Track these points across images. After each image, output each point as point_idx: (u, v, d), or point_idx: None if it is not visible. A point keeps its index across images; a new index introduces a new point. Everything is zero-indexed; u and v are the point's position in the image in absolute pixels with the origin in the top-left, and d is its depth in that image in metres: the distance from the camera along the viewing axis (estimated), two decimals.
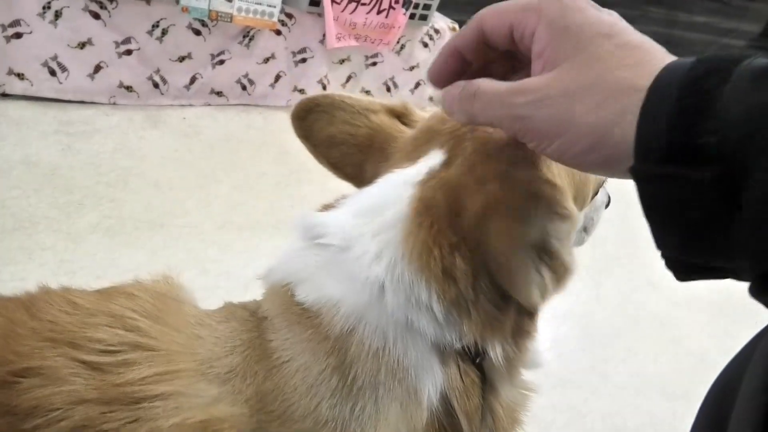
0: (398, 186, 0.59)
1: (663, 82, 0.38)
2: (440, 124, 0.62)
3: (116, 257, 1.45)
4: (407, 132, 0.68)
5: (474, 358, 0.57)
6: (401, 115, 0.71)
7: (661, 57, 0.40)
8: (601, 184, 0.72)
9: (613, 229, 2.04)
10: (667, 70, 0.38)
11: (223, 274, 1.50)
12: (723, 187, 0.35)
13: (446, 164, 0.59)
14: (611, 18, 0.42)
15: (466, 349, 0.57)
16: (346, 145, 0.70)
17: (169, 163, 1.87)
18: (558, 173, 0.58)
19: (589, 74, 0.40)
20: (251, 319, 0.63)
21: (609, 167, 0.42)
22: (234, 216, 1.72)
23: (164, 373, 0.57)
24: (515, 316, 0.59)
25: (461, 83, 0.47)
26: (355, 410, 0.55)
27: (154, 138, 1.96)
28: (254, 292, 0.67)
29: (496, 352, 0.57)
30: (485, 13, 0.47)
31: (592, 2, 0.44)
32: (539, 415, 1.43)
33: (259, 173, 1.95)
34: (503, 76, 0.47)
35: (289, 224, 0.63)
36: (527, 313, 0.58)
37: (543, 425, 1.42)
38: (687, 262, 0.39)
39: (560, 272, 0.54)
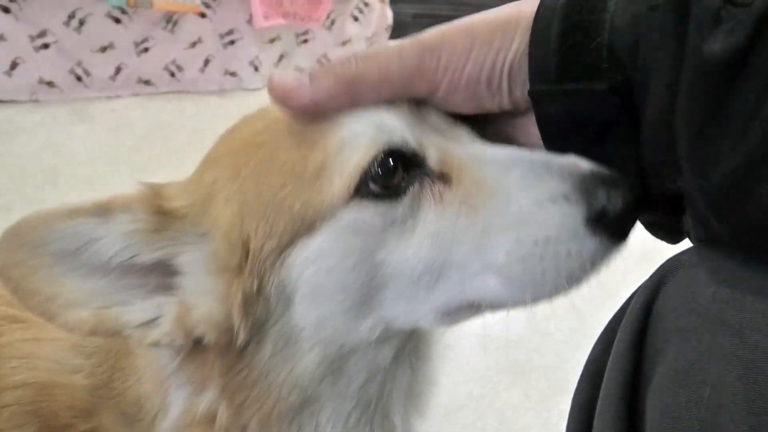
0: None
1: (547, 3, 0.39)
2: None
3: None
4: None
5: None
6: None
7: None
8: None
9: None
10: None
11: None
12: (620, 97, 0.37)
13: None
14: None
15: None
16: None
17: (99, 158, 1.82)
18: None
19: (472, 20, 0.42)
20: None
21: (500, 97, 0.42)
22: None
23: (34, 339, 0.61)
24: None
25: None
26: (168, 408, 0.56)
27: (82, 133, 1.91)
28: None
29: None
30: None
31: None
32: (486, 376, 1.49)
33: (194, 161, 1.91)
34: None
35: None
36: None
37: (490, 385, 1.48)
38: None
39: None
